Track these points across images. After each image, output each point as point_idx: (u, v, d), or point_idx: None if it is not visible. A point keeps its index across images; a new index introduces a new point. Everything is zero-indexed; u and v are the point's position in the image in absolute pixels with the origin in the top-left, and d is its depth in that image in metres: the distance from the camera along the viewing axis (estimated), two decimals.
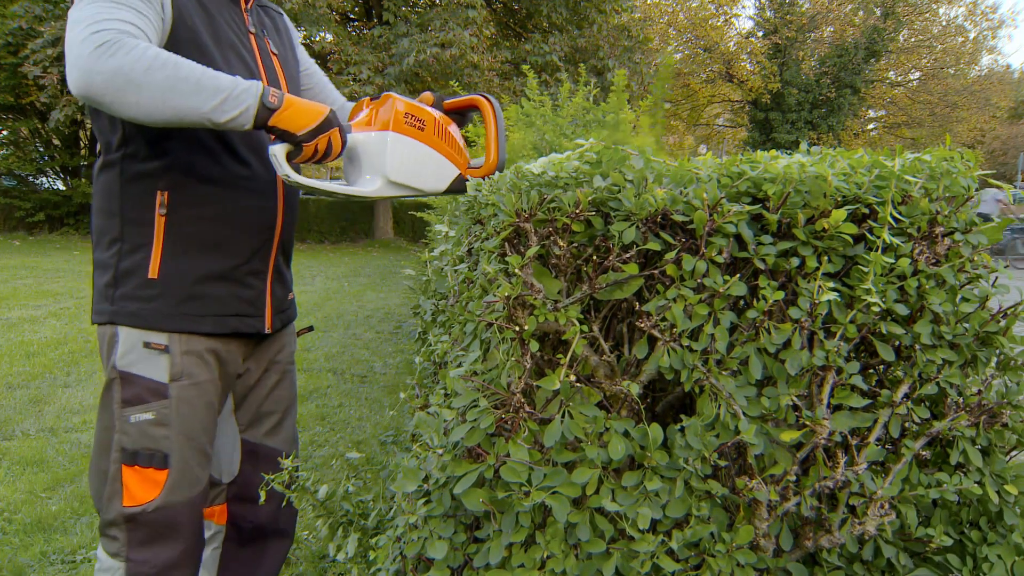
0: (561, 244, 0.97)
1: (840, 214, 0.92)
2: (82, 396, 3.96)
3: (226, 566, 1.60)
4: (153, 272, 1.30)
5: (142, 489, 1.31)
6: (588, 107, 3.68)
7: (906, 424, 1.05)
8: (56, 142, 15.08)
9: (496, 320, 0.98)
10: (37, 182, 15.34)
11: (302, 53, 1.64)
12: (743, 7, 37.72)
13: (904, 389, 1.02)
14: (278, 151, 1.22)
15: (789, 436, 0.95)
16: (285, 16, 1.64)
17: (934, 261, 1.01)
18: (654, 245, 0.95)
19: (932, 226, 1.00)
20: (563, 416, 0.95)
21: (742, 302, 1.01)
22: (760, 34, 23.25)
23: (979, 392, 1.06)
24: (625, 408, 1.03)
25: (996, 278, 1.06)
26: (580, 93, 3.70)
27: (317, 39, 13.53)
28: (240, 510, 1.58)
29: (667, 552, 0.95)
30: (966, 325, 1.01)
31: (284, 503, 1.49)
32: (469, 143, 4.05)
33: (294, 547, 2.28)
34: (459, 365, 1.10)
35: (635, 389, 0.96)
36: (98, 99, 1.09)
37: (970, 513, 1.08)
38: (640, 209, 0.94)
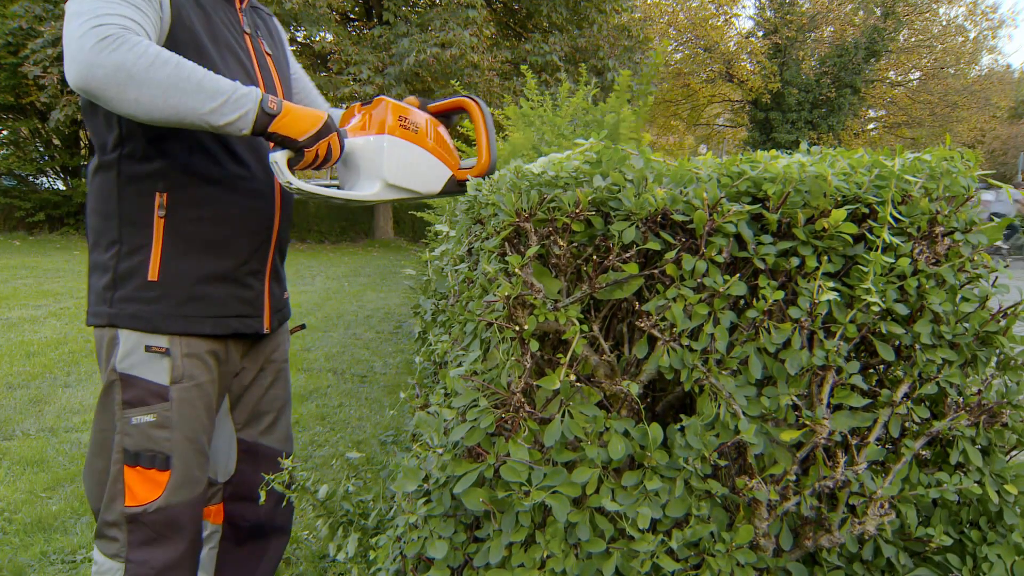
0: (561, 244, 0.97)
1: (840, 214, 0.92)
2: (82, 396, 3.96)
3: (223, 565, 1.60)
4: (153, 274, 1.30)
5: (144, 489, 1.31)
6: (587, 107, 3.68)
7: (906, 424, 1.05)
8: (56, 142, 15.08)
9: (496, 320, 0.98)
10: (37, 182, 15.34)
11: (291, 56, 1.65)
12: (743, 7, 37.76)
13: (904, 389, 1.02)
14: (279, 158, 1.22)
15: (789, 436, 0.95)
16: (275, 18, 1.65)
17: (934, 261, 1.01)
18: (654, 245, 0.95)
19: (932, 226, 1.00)
20: (563, 416, 0.95)
21: (742, 302, 1.01)
22: (760, 34, 23.24)
23: (979, 392, 1.06)
24: (625, 408, 1.03)
25: (996, 278, 1.06)
26: (580, 93, 3.70)
27: (317, 39, 13.53)
28: (237, 509, 1.58)
29: (667, 552, 0.95)
30: (966, 325, 1.01)
31: (284, 503, 1.50)
32: (469, 143, 4.06)
33: (294, 547, 2.28)
34: (459, 365, 1.10)
35: (635, 389, 0.96)
36: (98, 93, 1.08)
37: (970, 513, 1.08)
38: (640, 209, 0.94)
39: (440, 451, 0.99)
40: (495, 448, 0.96)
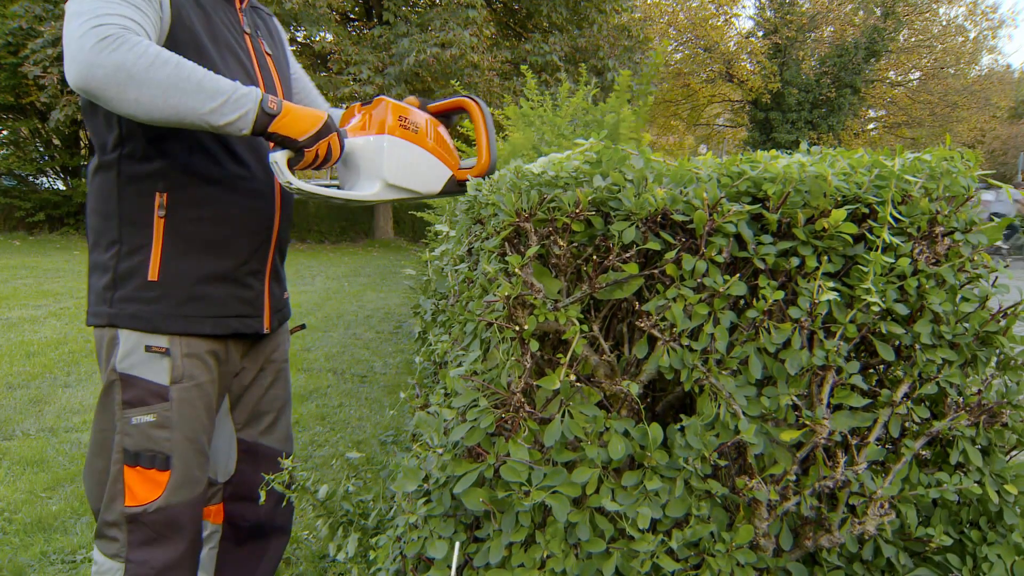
0: (561, 244, 0.97)
1: (840, 214, 0.92)
2: (82, 396, 3.96)
3: (223, 565, 1.60)
4: (153, 274, 1.30)
5: (144, 489, 1.31)
6: (587, 107, 3.68)
7: (906, 424, 1.05)
8: (56, 142, 15.08)
9: (496, 320, 0.98)
10: (37, 182, 15.34)
11: (291, 56, 1.65)
12: (743, 7, 37.75)
13: (904, 389, 1.02)
14: (279, 158, 1.22)
15: (789, 436, 0.95)
16: (275, 18, 1.65)
17: (934, 261, 1.01)
18: (654, 245, 0.95)
19: (932, 226, 1.00)
20: (563, 416, 0.95)
21: (742, 302, 1.01)
22: (760, 34, 23.24)
23: (979, 392, 1.06)
24: (625, 408, 1.03)
25: (996, 278, 1.07)
26: (580, 93, 3.70)
27: (317, 39, 13.53)
28: (237, 509, 1.58)
29: (667, 552, 0.95)
30: (966, 325, 1.01)
31: (284, 503, 1.50)
32: (469, 143, 4.06)
33: (294, 547, 2.28)
34: (459, 365, 1.10)
35: (635, 389, 0.96)
36: (98, 93, 1.08)
37: (970, 513, 1.08)
38: (640, 209, 0.94)
39: (440, 451, 0.99)
40: (495, 448, 0.96)
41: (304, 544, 2.26)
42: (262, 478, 1.47)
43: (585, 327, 0.98)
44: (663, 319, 0.96)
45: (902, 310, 0.97)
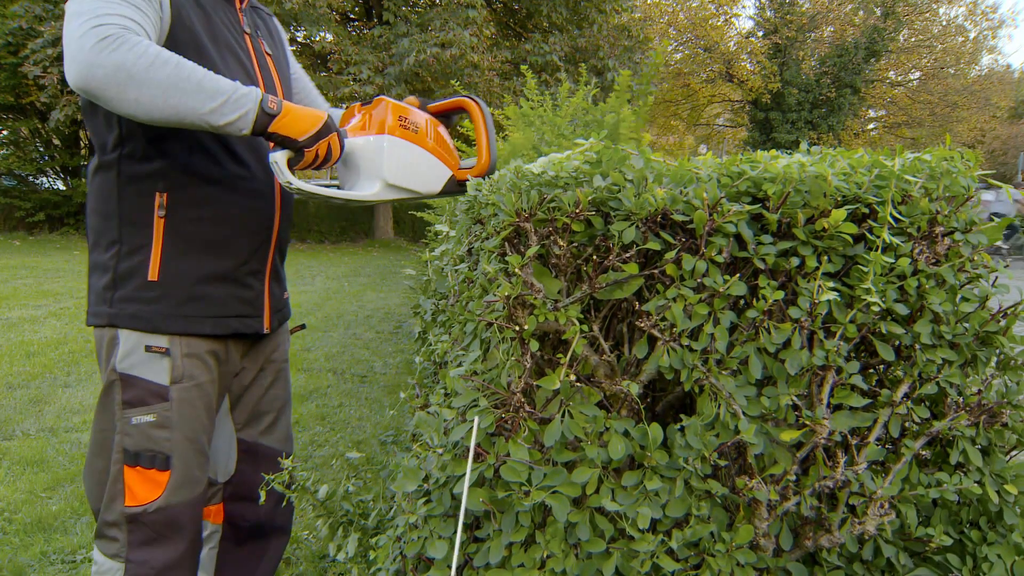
0: (561, 244, 0.97)
1: (840, 214, 0.92)
2: (82, 396, 3.96)
3: (223, 565, 1.60)
4: (153, 274, 1.30)
5: (144, 489, 1.31)
6: (587, 107, 3.68)
7: (906, 424, 1.05)
8: (56, 142, 15.07)
9: (496, 320, 0.98)
10: (37, 182, 15.33)
11: (291, 56, 1.65)
12: (743, 7, 37.75)
13: (904, 389, 1.02)
14: (279, 158, 1.22)
15: (789, 436, 0.95)
16: (275, 18, 1.65)
17: (934, 261, 1.01)
18: (654, 245, 0.95)
19: (932, 226, 1.00)
20: (563, 416, 0.95)
21: (742, 302, 1.01)
22: (760, 34, 23.24)
23: (979, 392, 1.06)
24: (625, 408, 1.03)
25: (996, 278, 1.06)
26: (580, 93, 3.70)
27: (317, 39, 13.53)
28: (237, 509, 1.58)
29: (667, 552, 0.95)
30: (966, 325, 1.01)
31: (284, 503, 1.50)
32: (469, 143, 4.06)
33: (294, 547, 2.28)
34: (459, 365, 1.10)
35: (635, 389, 0.96)
36: (98, 93, 1.09)
37: (970, 513, 1.08)
38: (640, 209, 0.94)
39: (440, 451, 0.99)
40: (495, 448, 0.96)
41: (304, 544, 2.27)
42: (262, 478, 1.47)
43: (585, 327, 0.98)
44: (663, 319, 0.96)
45: (902, 310, 0.97)
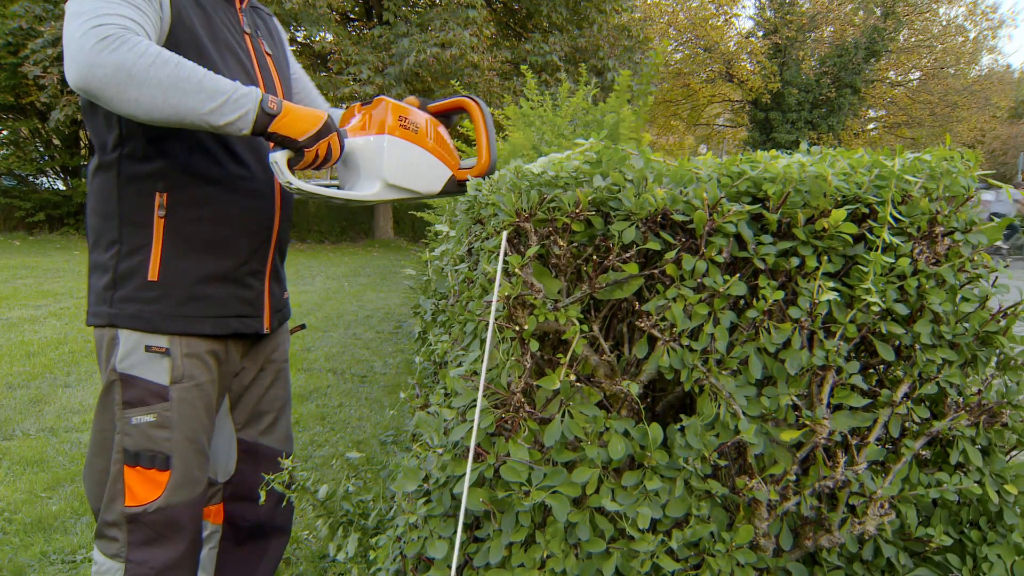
0: (561, 244, 0.97)
1: (840, 214, 0.92)
2: (82, 396, 3.96)
3: (223, 565, 1.60)
4: (153, 274, 1.30)
5: (144, 489, 1.31)
6: (587, 107, 3.68)
7: (906, 424, 1.05)
8: (56, 142, 15.08)
9: (496, 320, 0.98)
10: (37, 182, 15.34)
11: (291, 56, 1.65)
12: (743, 7, 37.76)
13: (904, 389, 1.02)
14: (279, 158, 1.22)
15: (789, 436, 0.95)
16: (275, 18, 1.65)
17: (934, 261, 1.01)
18: (654, 245, 0.95)
19: (932, 226, 1.00)
20: (563, 416, 0.95)
21: (742, 302, 1.01)
22: (760, 34, 23.24)
23: (979, 392, 1.06)
24: (625, 408, 1.03)
25: (996, 278, 1.06)
26: (580, 93, 3.70)
27: (317, 39, 13.53)
28: (237, 509, 1.58)
29: (667, 552, 0.95)
30: (966, 325, 1.01)
31: (284, 503, 1.50)
32: (469, 143, 4.06)
33: (294, 547, 2.28)
34: (459, 365, 1.10)
35: (635, 389, 0.96)
36: (98, 93, 1.09)
37: (970, 513, 1.08)
38: (640, 209, 0.94)
39: (440, 451, 0.99)
40: (495, 448, 0.96)
41: (304, 544, 2.27)
42: (262, 478, 1.47)
43: (585, 327, 0.98)
44: (663, 319, 0.96)
45: (902, 310, 0.97)
